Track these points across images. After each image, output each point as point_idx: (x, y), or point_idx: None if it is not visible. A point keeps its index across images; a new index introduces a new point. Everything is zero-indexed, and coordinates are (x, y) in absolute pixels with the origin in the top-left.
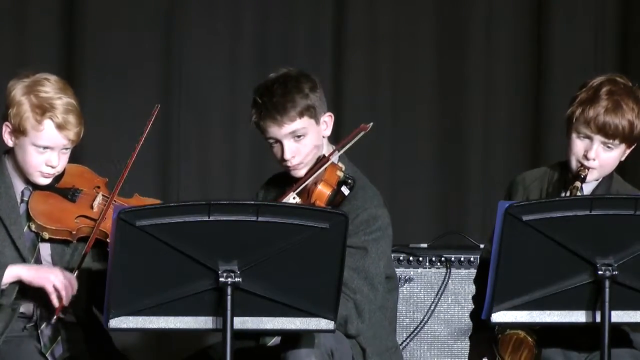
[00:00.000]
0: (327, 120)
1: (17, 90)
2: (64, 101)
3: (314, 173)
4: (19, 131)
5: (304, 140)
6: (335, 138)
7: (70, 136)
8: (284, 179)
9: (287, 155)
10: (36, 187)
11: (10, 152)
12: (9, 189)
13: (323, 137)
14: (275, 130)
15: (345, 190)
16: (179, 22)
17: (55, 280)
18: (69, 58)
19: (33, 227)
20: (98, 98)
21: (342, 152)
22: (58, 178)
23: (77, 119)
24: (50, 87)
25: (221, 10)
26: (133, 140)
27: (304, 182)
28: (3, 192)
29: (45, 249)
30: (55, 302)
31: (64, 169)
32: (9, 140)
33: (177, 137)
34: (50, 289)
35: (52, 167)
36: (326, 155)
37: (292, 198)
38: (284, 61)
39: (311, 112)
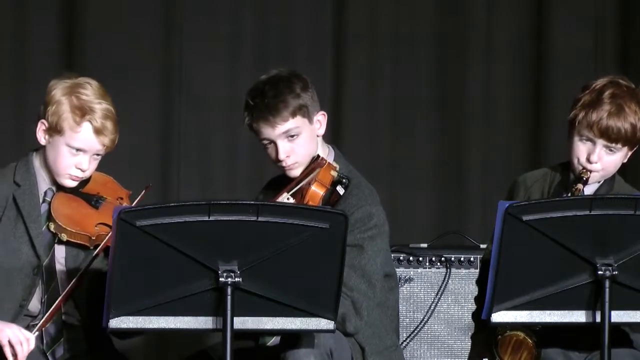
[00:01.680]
0: (321, 119)
1: (58, 89)
2: (104, 107)
3: (308, 173)
4: (55, 130)
5: (298, 139)
6: (335, 138)
7: (106, 142)
8: (282, 182)
9: (281, 156)
10: (60, 188)
11: (38, 150)
12: (33, 187)
13: (317, 136)
14: (268, 131)
15: (340, 189)
16: (179, 22)
17: (10, 334)
18: (69, 58)
19: (52, 227)
20: None
21: (296, 189)
22: (83, 183)
23: (114, 126)
24: (92, 92)
25: (221, 10)
26: (133, 140)
27: (298, 183)
28: (27, 189)
29: (60, 252)
30: (9, 357)
31: (91, 175)
32: (42, 138)
33: (177, 137)
34: (4, 343)
35: (82, 171)
36: (321, 154)
37: (286, 198)
38: (284, 61)
39: (304, 112)
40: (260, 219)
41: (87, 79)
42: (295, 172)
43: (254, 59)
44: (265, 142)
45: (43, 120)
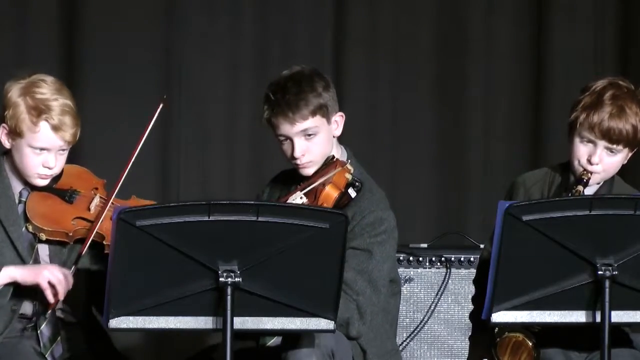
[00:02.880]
0: (338, 120)
1: (14, 91)
2: (60, 102)
3: (323, 174)
4: (15, 133)
5: (315, 138)
6: (338, 138)
7: (66, 137)
8: (290, 177)
9: (297, 153)
10: (34, 187)
11: (8, 153)
12: (7, 190)
13: (333, 136)
14: (287, 128)
15: (352, 192)
16: (179, 22)
17: (49, 275)
18: (69, 58)
19: (30, 228)
20: (98, 98)
21: (309, 189)
22: (56, 179)
23: (73, 120)
24: (47, 89)
25: (221, 10)
26: (133, 140)
27: (313, 183)
28: (1, 193)
29: (43, 250)
30: (50, 297)
31: (62, 170)
32: (6, 142)
33: (177, 137)
34: (44, 285)
35: (49, 168)
36: (335, 155)
37: (299, 198)
38: (284, 61)
39: (323, 111)
40: (260, 219)
41: (41, 76)
42: (309, 171)
43: (254, 59)
44: (282, 138)
45: (4, 125)
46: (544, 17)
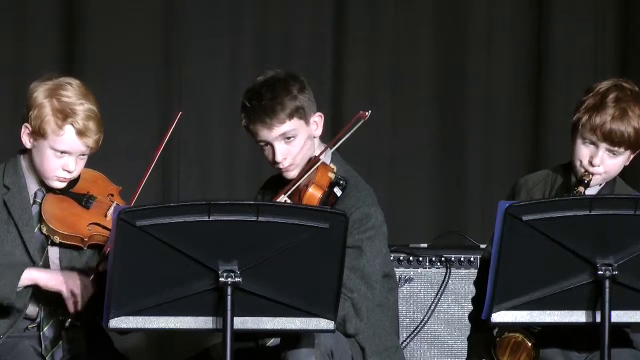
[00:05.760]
0: (318, 121)
1: (40, 92)
2: (86, 107)
3: (304, 175)
4: (38, 134)
5: (294, 141)
6: (332, 138)
7: (90, 143)
8: (279, 182)
9: (278, 158)
10: (49, 189)
11: (26, 152)
12: (23, 190)
13: (314, 137)
14: (265, 133)
15: (337, 191)
16: (179, 22)
17: (72, 285)
18: (69, 58)
19: (44, 229)
20: (98, 98)
21: (340, 143)
22: (72, 183)
23: (97, 126)
24: (73, 92)
25: (221, 10)
26: (133, 140)
27: (295, 184)
28: (16, 192)
29: (54, 253)
30: (71, 306)
31: (79, 174)
32: (27, 142)
33: (177, 137)
34: (67, 295)
35: (69, 172)
36: (318, 155)
37: (283, 201)
38: (284, 61)
39: (300, 114)
40: (260, 219)
41: (68, 79)
42: (292, 174)
43: (254, 59)
44: (262, 144)
45: (26, 124)
46: (544, 17)
